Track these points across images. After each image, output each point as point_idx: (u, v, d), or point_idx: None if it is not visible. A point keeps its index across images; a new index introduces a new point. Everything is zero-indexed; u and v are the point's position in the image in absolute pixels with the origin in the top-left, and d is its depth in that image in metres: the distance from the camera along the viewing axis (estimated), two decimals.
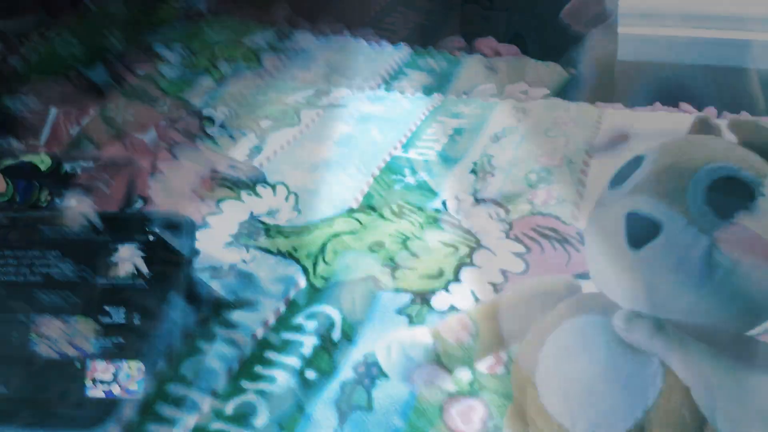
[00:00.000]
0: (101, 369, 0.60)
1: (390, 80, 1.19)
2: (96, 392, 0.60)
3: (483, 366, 0.65)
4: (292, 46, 1.22)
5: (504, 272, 0.78)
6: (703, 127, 0.40)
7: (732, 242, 0.33)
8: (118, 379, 0.60)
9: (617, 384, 0.37)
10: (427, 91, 1.15)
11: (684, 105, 1.11)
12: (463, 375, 0.64)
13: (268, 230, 0.88)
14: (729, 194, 0.33)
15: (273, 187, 0.97)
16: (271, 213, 0.92)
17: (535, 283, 0.48)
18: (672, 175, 0.35)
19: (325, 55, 1.20)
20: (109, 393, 0.60)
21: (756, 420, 0.33)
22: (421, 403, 0.61)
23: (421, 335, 0.49)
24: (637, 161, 0.37)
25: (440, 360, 0.48)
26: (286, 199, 0.95)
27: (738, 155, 0.36)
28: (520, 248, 0.82)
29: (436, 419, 0.60)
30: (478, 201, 0.92)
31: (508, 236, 0.84)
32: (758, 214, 0.33)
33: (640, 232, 0.34)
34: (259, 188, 0.97)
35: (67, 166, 0.95)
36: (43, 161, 0.89)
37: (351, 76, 1.14)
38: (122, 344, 0.61)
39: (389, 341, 0.49)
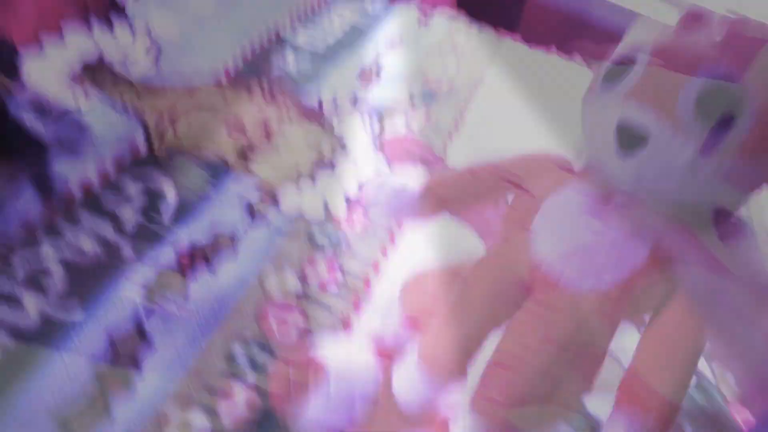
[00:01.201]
0: None
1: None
2: None
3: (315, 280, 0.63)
4: None
5: (360, 186, 0.75)
6: (694, 21, 0.39)
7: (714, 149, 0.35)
8: None
9: (610, 245, 0.40)
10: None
11: None
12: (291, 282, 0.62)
13: (118, 80, 0.77)
14: (717, 103, 0.35)
15: (133, 29, 0.85)
16: (124, 63, 0.80)
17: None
18: (661, 83, 0.36)
19: None
20: None
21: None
22: (240, 305, 0.58)
23: (413, 182, 0.52)
24: (630, 60, 0.38)
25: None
26: (147, 51, 0.83)
27: (725, 55, 0.36)
28: (385, 167, 0.79)
29: (251, 322, 0.58)
30: (356, 107, 0.87)
31: (376, 151, 0.81)
32: (745, 120, 0.35)
33: (630, 140, 0.36)
34: (117, 24, 0.84)
35: None
36: None
37: None
38: None
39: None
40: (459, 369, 0.47)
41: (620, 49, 0.40)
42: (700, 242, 0.38)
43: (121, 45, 0.82)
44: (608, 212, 0.41)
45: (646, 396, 0.39)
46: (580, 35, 1.16)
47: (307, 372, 0.50)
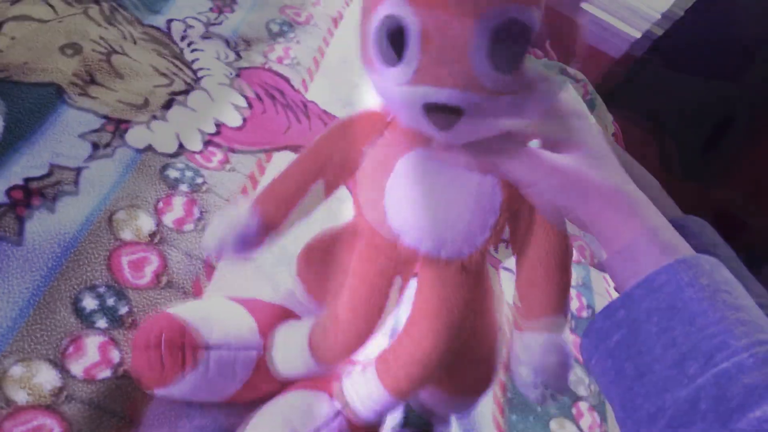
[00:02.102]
0: None
1: None
2: None
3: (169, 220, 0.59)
4: None
5: (217, 123, 0.71)
6: None
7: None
8: None
9: (469, 202, 0.37)
10: None
11: None
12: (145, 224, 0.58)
13: None
14: (514, 39, 0.29)
15: None
16: None
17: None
18: (448, 42, 0.28)
19: None
20: None
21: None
22: (86, 247, 0.53)
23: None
24: (397, 27, 0.29)
25: None
26: None
27: None
28: (241, 102, 0.75)
29: (101, 266, 0.53)
30: (209, 34, 0.81)
31: (232, 85, 0.77)
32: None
33: (444, 119, 0.30)
34: None
35: None
36: None
37: None
38: None
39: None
40: (348, 354, 0.46)
41: (382, 10, 0.30)
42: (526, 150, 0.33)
43: None
44: (449, 165, 0.36)
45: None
46: None
47: (181, 354, 0.45)
